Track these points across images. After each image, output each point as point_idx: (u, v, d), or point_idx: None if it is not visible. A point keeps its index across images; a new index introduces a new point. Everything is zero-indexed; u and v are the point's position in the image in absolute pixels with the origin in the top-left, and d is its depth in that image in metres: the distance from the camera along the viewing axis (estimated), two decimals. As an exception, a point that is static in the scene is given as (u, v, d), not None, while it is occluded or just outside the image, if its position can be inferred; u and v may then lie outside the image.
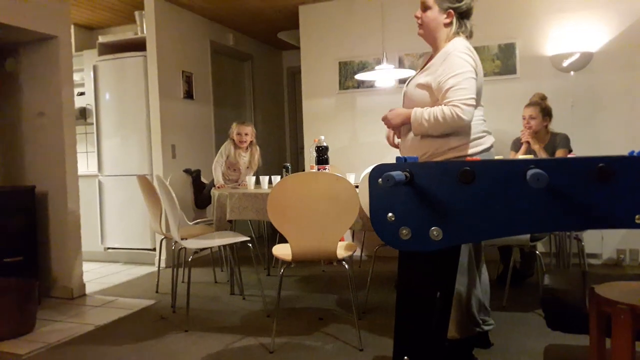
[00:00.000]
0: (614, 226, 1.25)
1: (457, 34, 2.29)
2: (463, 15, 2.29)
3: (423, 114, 2.22)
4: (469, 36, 2.34)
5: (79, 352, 2.73)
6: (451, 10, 2.27)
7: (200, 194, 4.24)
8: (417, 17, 2.36)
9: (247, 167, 4.15)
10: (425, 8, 2.31)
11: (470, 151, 2.24)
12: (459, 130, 2.21)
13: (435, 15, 2.29)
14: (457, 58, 2.19)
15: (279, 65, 7.26)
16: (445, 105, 2.17)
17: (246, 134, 4.04)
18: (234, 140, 4.06)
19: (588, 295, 1.63)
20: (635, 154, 1.48)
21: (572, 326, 1.82)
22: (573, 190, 1.25)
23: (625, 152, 1.56)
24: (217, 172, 4.00)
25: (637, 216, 1.21)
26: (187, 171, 4.47)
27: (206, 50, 5.54)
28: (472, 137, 2.27)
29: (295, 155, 7.24)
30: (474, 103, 2.17)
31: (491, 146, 2.33)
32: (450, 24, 2.28)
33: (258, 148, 4.20)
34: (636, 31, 4.08)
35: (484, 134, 2.32)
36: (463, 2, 2.26)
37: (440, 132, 2.21)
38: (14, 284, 3.16)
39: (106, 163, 5.07)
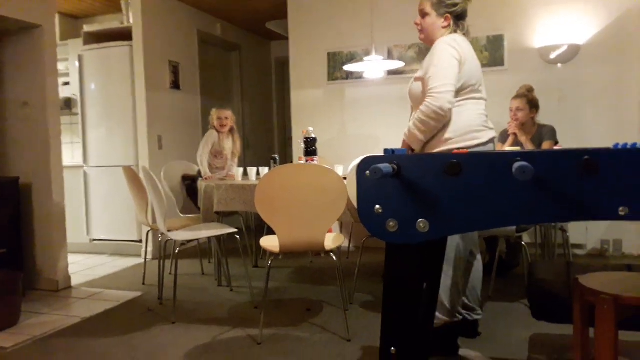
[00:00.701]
0: (598, 218, 1.26)
1: (454, 33, 2.39)
2: (459, 17, 2.41)
3: (410, 128, 2.34)
4: (466, 34, 2.43)
5: (64, 344, 2.71)
6: (448, 15, 2.39)
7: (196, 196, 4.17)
8: (417, 24, 2.49)
9: (232, 153, 4.18)
10: (424, 15, 2.44)
11: (465, 144, 2.26)
12: (443, 118, 2.26)
13: (434, 20, 2.41)
14: (438, 50, 2.31)
15: (267, 56, 7.21)
16: (425, 100, 2.27)
17: (226, 118, 4.10)
18: (215, 126, 4.09)
19: (572, 285, 1.65)
20: (619, 146, 1.49)
21: (557, 316, 1.84)
22: (558, 183, 1.26)
23: (610, 144, 1.57)
24: (203, 164, 3.99)
25: (620, 208, 1.22)
26: (186, 178, 4.35)
27: (193, 39, 5.49)
28: (468, 129, 2.30)
29: (284, 147, 7.21)
30: (450, 89, 2.23)
31: (489, 141, 2.35)
32: (448, 26, 2.40)
33: (238, 134, 4.28)
34: (623, 24, 4.11)
35: (482, 128, 2.34)
36: (458, 6, 2.39)
37: (432, 128, 2.28)
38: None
39: (92, 154, 5.02)
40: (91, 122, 5.01)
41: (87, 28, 5.12)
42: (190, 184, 4.25)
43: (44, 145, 3.72)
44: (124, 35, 4.86)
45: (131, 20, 4.78)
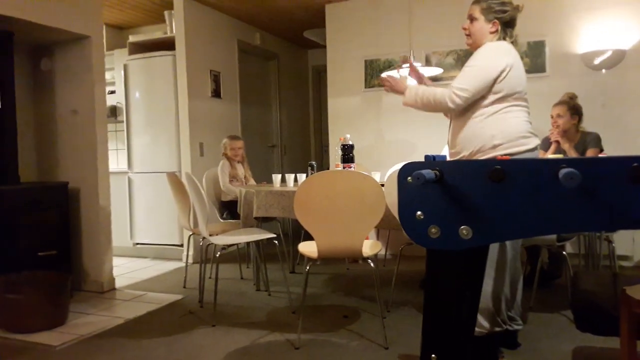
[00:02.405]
0: (647, 227, 1.23)
1: (502, 39, 2.40)
2: (507, 24, 2.41)
3: (418, 91, 2.47)
4: (514, 43, 2.43)
5: (109, 344, 2.80)
6: (496, 20, 2.39)
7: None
8: (464, 29, 2.50)
9: (245, 177, 4.42)
10: (472, 19, 2.45)
11: (514, 150, 2.27)
12: (442, 111, 2.41)
13: (482, 25, 2.42)
14: (481, 52, 2.35)
15: (305, 64, 7.29)
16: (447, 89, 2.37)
17: (239, 148, 4.38)
18: (228, 156, 4.34)
19: (619, 296, 1.61)
20: (670, 153, 1.45)
21: (602, 328, 1.79)
22: (605, 190, 1.24)
23: (659, 151, 1.54)
24: (231, 187, 4.19)
25: (671, 217, 1.19)
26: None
27: (233, 49, 5.61)
28: (517, 135, 2.31)
29: (320, 154, 7.26)
30: (466, 95, 2.29)
31: (535, 147, 2.35)
32: (496, 32, 2.41)
33: (247, 160, 4.60)
34: (671, 28, 3.97)
35: (529, 134, 2.34)
36: (507, 13, 2.39)
37: (428, 110, 2.45)
38: (48, 277, 3.26)
39: (136, 160, 5.18)
40: (135, 129, 5.18)
41: (132, 38, 5.31)
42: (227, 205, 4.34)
43: (92, 151, 3.87)
44: (167, 45, 5.01)
45: (174, 31, 4.93)
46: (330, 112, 5.28)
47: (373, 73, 5.01)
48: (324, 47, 5.33)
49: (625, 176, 1.22)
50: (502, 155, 2.23)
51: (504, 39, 2.40)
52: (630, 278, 2.09)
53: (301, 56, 7.19)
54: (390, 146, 4.98)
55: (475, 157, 2.33)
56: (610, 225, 1.32)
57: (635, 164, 1.22)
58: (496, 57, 2.30)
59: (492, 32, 2.40)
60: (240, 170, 4.40)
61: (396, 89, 2.61)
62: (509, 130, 2.30)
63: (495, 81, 2.28)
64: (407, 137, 4.91)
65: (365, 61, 5.05)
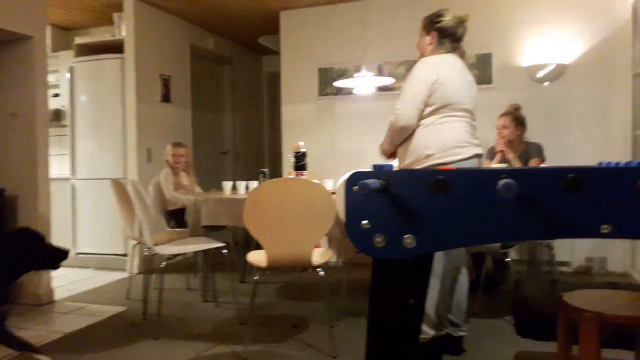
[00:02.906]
0: (581, 236, 1.27)
1: (435, 50, 2.49)
2: (442, 34, 2.50)
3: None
4: (460, 54, 2.52)
5: None
6: (434, 32, 2.49)
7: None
8: (417, 46, 2.62)
9: (191, 187, 4.30)
10: (420, 36, 2.58)
11: (446, 159, 2.32)
12: (403, 133, 2.44)
13: (424, 39, 2.55)
14: (413, 70, 2.45)
15: (259, 70, 7.24)
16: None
17: (181, 155, 4.24)
18: (169, 162, 4.22)
19: (557, 303, 1.66)
20: (603, 164, 1.51)
21: (541, 333, 1.85)
22: (543, 200, 1.27)
23: (594, 162, 1.59)
24: (177, 195, 4.06)
25: (603, 226, 1.23)
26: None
27: (185, 53, 5.50)
28: (449, 145, 2.36)
29: (274, 161, 7.21)
30: (411, 111, 2.39)
31: (473, 156, 2.39)
32: (433, 42, 2.51)
33: (192, 168, 4.48)
34: (608, 45, 4.19)
35: (465, 144, 2.38)
36: (440, 22, 2.49)
37: (394, 140, 2.52)
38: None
39: (80, 166, 4.98)
40: (80, 134, 4.98)
41: (78, 40, 5.12)
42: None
43: (31, 156, 3.69)
44: (116, 47, 4.86)
45: (123, 33, 4.79)
46: (284, 119, 5.26)
47: (327, 81, 5.03)
48: (279, 53, 5.31)
49: (561, 186, 1.25)
50: (435, 165, 2.31)
51: (443, 48, 2.48)
52: (568, 284, 2.17)
53: (256, 62, 7.14)
54: (343, 154, 5.01)
55: (412, 167, 2.38)
56: (548, 235, 1.35)
57: (571, 175, 1.26)
58: (424, 71, 2.39)
59: (430, 44, 2.51)
60: (185, 178, 4.29)
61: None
62: (443, 140, 2.36)
63: (428, 94, 2.36)
64: (360, 146, 4.94)
65: (319, 69, 5.06)
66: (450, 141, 2.36)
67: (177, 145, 4.30)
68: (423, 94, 2.37)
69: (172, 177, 4.17)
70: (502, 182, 1.21)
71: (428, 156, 2.36)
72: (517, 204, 1.27)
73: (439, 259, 2.36)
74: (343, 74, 4.90)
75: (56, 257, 2.16)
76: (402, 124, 2.41)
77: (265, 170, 3.98)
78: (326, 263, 2.80)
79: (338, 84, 4.23)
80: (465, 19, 2.51)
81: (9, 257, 2.04)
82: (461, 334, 2.48)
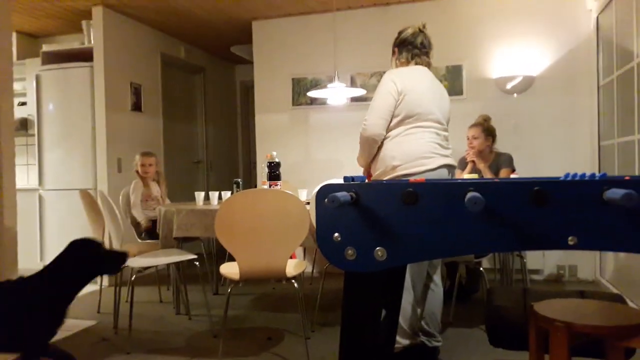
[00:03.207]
0: (548, 247, 1.29)
1: (399, 64, 2.60)
2: (400, 46, 2.60)
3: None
4: (423, 64, 2.58)
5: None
6: (395, 47, 2.63)
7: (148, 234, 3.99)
8: None
9: (161, 197, 4.20)
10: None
11: (412, 170, 2.36)
12: (373, 144, 2.48)
13: (391, 57, 2.67)
14: (380, 84, 2.51)
15: (232, 79, 7.21)
16: None
17: (150, 165, 4.12)
18: (138, 172, 4.11)
19: (528, 312, 1.68)
20: (570, 176, 1.54)
21: (513, 343, 1.86)
22: (510, 213, 1.29)
23: (563, 173, 1.63)
24: (138, 212, 3.99)
25: (569, 238, 1.25)
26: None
27: (156, 62, 5.44)
28: (415, 156, 2.39)
29: (248, 171, 7.18)
30: (378, 122, 2.44)
31: (439, 167, 2.41)
32: (394, 55, 2.63)
33: (163, 178, 4.33)
34: (574, 57, 4.31)
35: (431, 154, 2.40)
36: (399, 37, 2.61)
37: (366, 152, 2.54)
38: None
39: (48, 176, 4.86)
40: (48, 143, 4.86)
41: (45, 47, 5.01)
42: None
43: (-4, 167, 3.58)
44: (85, 55, 4.77)
45: (92, 41, 4.71)
46: (257, 129, 5.24)
47: (300, 91, 5.04)
48: (252, 63, 5.30)
49: (529, 199, 1.28)
50: (401, 176, 2.35)
51: (401, 60, 2.58)
52: (539, 293, 2.20)
53: (229, 71, 7.11)
54: (317, 164, 5.01)
55: (380, 178, 2.41)
56: (516, 247, 1.37)
57: (537, 188, 1.28)
58: (389, 82, 2.45)
59: (393, 59, 2.64)
60: (155, 188, 4.20)
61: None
62: (408, 151, 2.40)
63: (394, 104, 2.42)
64: (335, 156, 4.96)
65: (293, 79, 5.06)
66: (416, 152, 2.39)
67: (145, 154, 4.19)
68: (389, 104, 2.42)
69: (141, 188, 4.08)
70: (469, 195, 1.22)
71: (394, 167, 2.40)
72: (485, 216, 1.29)
73: (407, 270, 2.37)
74: (317, 84, 4.91)
75: (116, 261, 2.20)
76: (369, 134, 2.46)
77: (239, 180, 3.96)
78: (301, 274, 2.79)
79: (312, 94, 4.23)
80: (422, 28, 2.58)
81: (75, 271, 2.09)
82: (436, 344, 2.49)
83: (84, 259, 2.11)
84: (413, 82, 2.44)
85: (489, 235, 1.29)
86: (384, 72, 4.51)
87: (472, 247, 1.37)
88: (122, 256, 2.21)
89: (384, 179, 2.38)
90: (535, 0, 4.38)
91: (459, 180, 2.11)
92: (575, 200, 1.27)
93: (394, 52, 2.63)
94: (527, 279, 3.73)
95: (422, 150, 2.40)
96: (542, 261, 4.35)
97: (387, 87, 2.43)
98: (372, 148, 2.50)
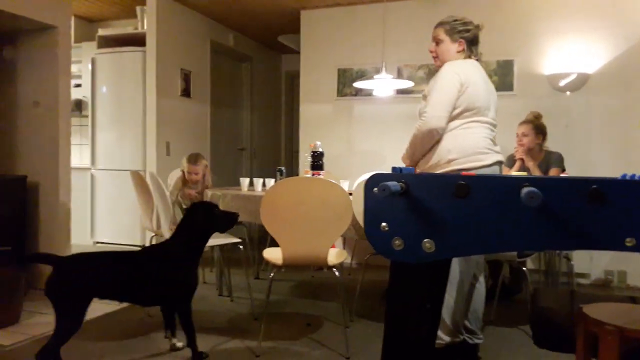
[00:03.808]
0: (604, 248, 1.26)
1: (468, 58, 2.49)
2: (471, 42, 2.50)
3: (408, 144, 2.51)
4: (479, 59, 2.52)
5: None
6: (461, 40, 2.47)
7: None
8: (431, 52, 2.57)
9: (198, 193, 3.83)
10: (437, 42, 2.53)
11: (468, 165, 2.32)
12: (430, 139, 2.38)
13: (448, 46, 2.50)
14: (441, 74, 2.41)
15: (278, 68, 7.27)
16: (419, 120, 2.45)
17: (196, 174, 3.75)
18: (184, 176, 3.78)
19: (576, 314, 1.64)
20: (627, 177, 1.49)
21: (559, 344, 1.83)
22: (565, 210, 1.26)
23: (616, 174, 1.58)
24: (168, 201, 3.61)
25: (627, 239, 1.22)
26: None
27: (206, 49, 5.55)
28: (472, 151, 2.35)
29: (290, 159, 7.24)
30: (441, 114, 2.34)
31: (494, 163, 2.38)
32: (462, 51, 2.49)
33: (209, 179, 3.92)
34: (632, 55, 4.13)
35: (487, 150, 2.38)
36: (470, 31, 2.48)
37: (420, 147, 2.43)
38: (1, 274, 3.12)
39: (99, 156, 5.05)
40: (101, 124, 5.05)
41: (101, 32, 5.19)
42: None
43: (53, 145, 3.75)
44: (138, 40, 4.92)
45: (145, 27, 4.85)
46: (301, 118, 5.27)
47: (346, 82, 5.03)
48: (298, 52, 5.33)
49: (586, 197, 1.25)
50: (456, 170, 2.29)
51: (470, 56, 2.48)
52: (587, 296, 2.15)
53: (275, 60, 7.17)
54: (359, 155, 5.01)
55: (432, 170, 2.37)
56: (570, 245, 1.34)
57: (595, 186, 1.25)
58: (452, 75, 2.37)
59: (458, 52, 2.48)
60: (193, 193, 3.79)
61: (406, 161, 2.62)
62: (465, 145, 2.35)
63: (457, 97, 2.35)
64: (377, 148, 4.94)
65: (339, 70, 5.06)
66: (473, 147, 2.35)
67: (192, 161, 3.76)
68: (452, 97, 2.34)
69: (179, 188, 3.77)
70: (525, 190, 1.20)
71: (450, 161, 2.35)
72: (539, 213, 1.27)
73: (457, 266, 2.35)
74: (362, 75, 4.89)
75: (228, 220, 2.53)
76: (431, 127, 2.35)
77: (282, 168, 4.00)
78: (341, 264, 2.81)
79: (358, 85, 4.22)
80: (482, 28, 2.53)
81: (197, 227, 2.44)
82: (477, 341, 2.47)
83: (201, 220, 2.44)
84: (474, 77, 2.39)
85: (543, 232, 1.27)
86: (432, 65, 4.45)
87: (523, 243, 1.35)
88: (233, 216, 2.53)
89: (437, 172, 2.35)
90: (594, -6, 4.22)
91: (511, 176, 2.07)
92: (634, 201, 1.23)
93: (455, 42, 2.48)
94: (573, 282, 3.64)
95: (479, 146, 2.36)
96: (590, 265, 4.22)
97: (452, 80, 2.36)
98: (428, 143, 2.40)
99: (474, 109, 2.37)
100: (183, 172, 3.80)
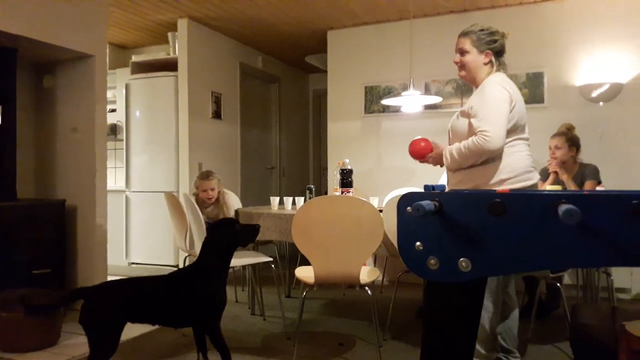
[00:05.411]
0: (648, 264, 1.23)
1: (497, 70, 2.42)
2: (499, 53, 2.44)
3: (452, 150, 2.34)
4: (504, 70, 2.46)
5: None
6: (489, 51, 2.40)
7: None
8: (456, 63, 2.49)
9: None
10: (463, 53, 2.45)
11: (520, 184, 2.27)
12: (489, 157, 2.26)
13: (475, 58, 2.42)
14: (489, 90, 2.30)
15: (306, 88, 7.36)
16: (474, 135, 2.24)
17: (212, 189, 3.64)
18: (198, 197, 3.64)
19: (618, 331, 1.59)
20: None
21: (601, 363, 1.78)
22: (605, 227, 1.23)
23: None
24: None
25: (672, 255, 1.19)
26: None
27: (235, 71, 5.66)
28: (523, 170, 2.31)
29: (319, 177, 7.27)
30: (502, 133, 2.22)
31: (537, 182, 2.35)
32: (490, 62, 2.42)
33: (228, 196, 3.84)
34: (668, 63, 4.03)
35: (532, 169, 2.36)
36: (497, 42, 2.42)
37: (470, 162, 2.29)
38: (41, 295, 3.22)
39: (134, 179, 5.18)
40: (135, 148, 5.18)
41: (135, 58, 5.35)
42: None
43: (90, 169, 3.86)
44: (170, 65, 5.05)
45: (177, 52, 4.98)
46: (329, 136, 5.31)
47: (373, 99, 5.06)
48: (325, 72, 5.39)
49: (626, 213, 1.22)
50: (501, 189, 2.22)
51: (498, 68, 2.42)
52: (629, 312, 2.08)
53: (302, 80, 7.26)
54: (388, 172, 5.00)
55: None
56: (609, 262, 1.32)
57: (635, 202, 1.22)
58: (502, 90, 2.28)
59: (485, 63, 2.42)
60: (213, 212, 3.68)
61: (438, 161, 2.48)
62: (517, 165, 2.30)
63: (510, 113, 2.26)
64: (406, 163, 4.92)
65: (365, 87, 5.10)
66: (522, 166, 2.31)
67: (204, 178, 3.67)
68: (506, 112, 2.24)
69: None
70: (564, 207, 1.18)
71: (502, 181, 2.26)
72: (577, 230, 1.25)
73: (492, 281, 2.31)
74: (389, 91, 4.91)
75: (249, 233, 2.51)
76: (495, 147, 2.20)
77: (312, 186, 4.03)
78: (373, 282, 2.80)
79: (386, 101, 4.24)
80: (507, 36, 2.48)
81: (220, 245, 2.42)
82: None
83: (223, 237, 2.43)
84: (517, 92, 2.34)
85: (581, 250, 1.25)
86: (460, 80, 4.42)
87: (562, 261, 1.33)
88: (254, 229, 2.51)
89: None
90: (625, 3, 4.15)
91: (547, 192, 2.04)
92: (678, 216, 1.20)
93: (482, 53, 2.40)
94: (613, 298, 3.52)
95: (526, 165, 2.32)
96: (630, 279, 4.08)
97: (503, 95, 2.26)
98: (479, 160, 2.28)
99: (520, 127, 2.33)
100: (195, 195, 3.68)
